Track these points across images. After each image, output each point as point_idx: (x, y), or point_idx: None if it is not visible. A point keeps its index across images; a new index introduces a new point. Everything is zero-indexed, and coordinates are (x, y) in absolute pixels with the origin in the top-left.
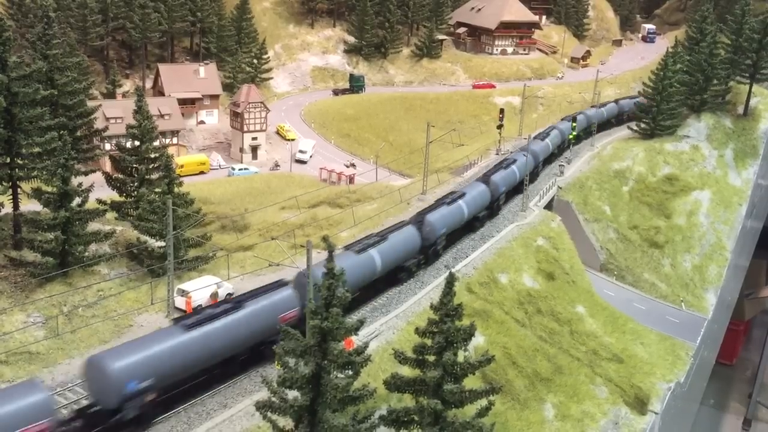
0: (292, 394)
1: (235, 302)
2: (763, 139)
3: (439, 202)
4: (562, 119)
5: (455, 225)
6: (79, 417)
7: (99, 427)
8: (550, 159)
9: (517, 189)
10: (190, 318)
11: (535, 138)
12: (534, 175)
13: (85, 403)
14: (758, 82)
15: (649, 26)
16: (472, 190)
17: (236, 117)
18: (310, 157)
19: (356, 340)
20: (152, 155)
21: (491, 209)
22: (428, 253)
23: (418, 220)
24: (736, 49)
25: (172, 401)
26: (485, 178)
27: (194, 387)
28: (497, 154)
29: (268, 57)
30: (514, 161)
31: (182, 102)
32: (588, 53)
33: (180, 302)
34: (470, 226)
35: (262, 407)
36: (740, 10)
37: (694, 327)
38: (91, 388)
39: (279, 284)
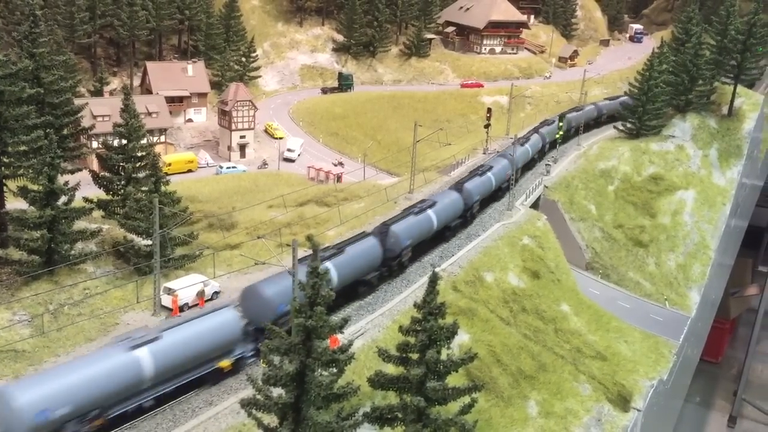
0: (277, 392)
1: (339, 247)
2: (747, 139)
3: (473, 173)
4: (570, 109)
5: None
6: None
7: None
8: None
9: (527, 166)
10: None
11: (542, 122)
12: (542, 154)
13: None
14: (742, 83)
15: (637, 26)
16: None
17: (224, 115)
18: (299, 155)
19: (342, 339)
20: (139, 154)
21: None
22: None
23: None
24: (721, 50)
25: None
26: (504, 154)
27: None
28: (484, 153)
29: (257, 55)
30: (528, 140)
31: (170, 100)
32: (576, 53)
33: (166, 300)
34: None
35: (247, 405)
36: (725, 11)
37: (677, 325)
38: (248, 311)
39: (364, 234)
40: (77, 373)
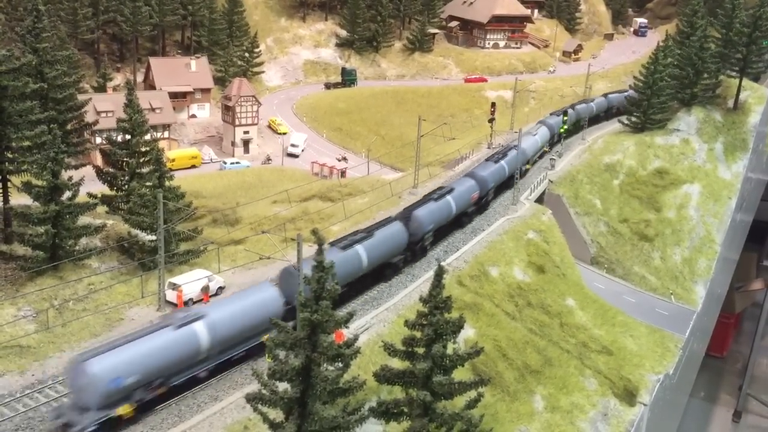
0: (283, 387)
1: (444, 191)
2: (752, 133)
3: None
4: (611, 92)
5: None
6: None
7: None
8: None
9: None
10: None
11: (573, 105)
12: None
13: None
14: (748, 76)
15: (641, 20)
16: (550, 120)
17: (228, 111)
18: (302, 150)
19: (347, 333)
20: (143, 149)
21: (551, 144)
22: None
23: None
24: (726, 43)
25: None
26: (545, 122)
27: None
28: (489, 147)
29: (260, 51)
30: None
31: (173, 96)
32: (580, 47)
33: (171, 296)
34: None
35: (253, 399)
36: (730, 3)
37: (683, 319)
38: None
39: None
40: None
